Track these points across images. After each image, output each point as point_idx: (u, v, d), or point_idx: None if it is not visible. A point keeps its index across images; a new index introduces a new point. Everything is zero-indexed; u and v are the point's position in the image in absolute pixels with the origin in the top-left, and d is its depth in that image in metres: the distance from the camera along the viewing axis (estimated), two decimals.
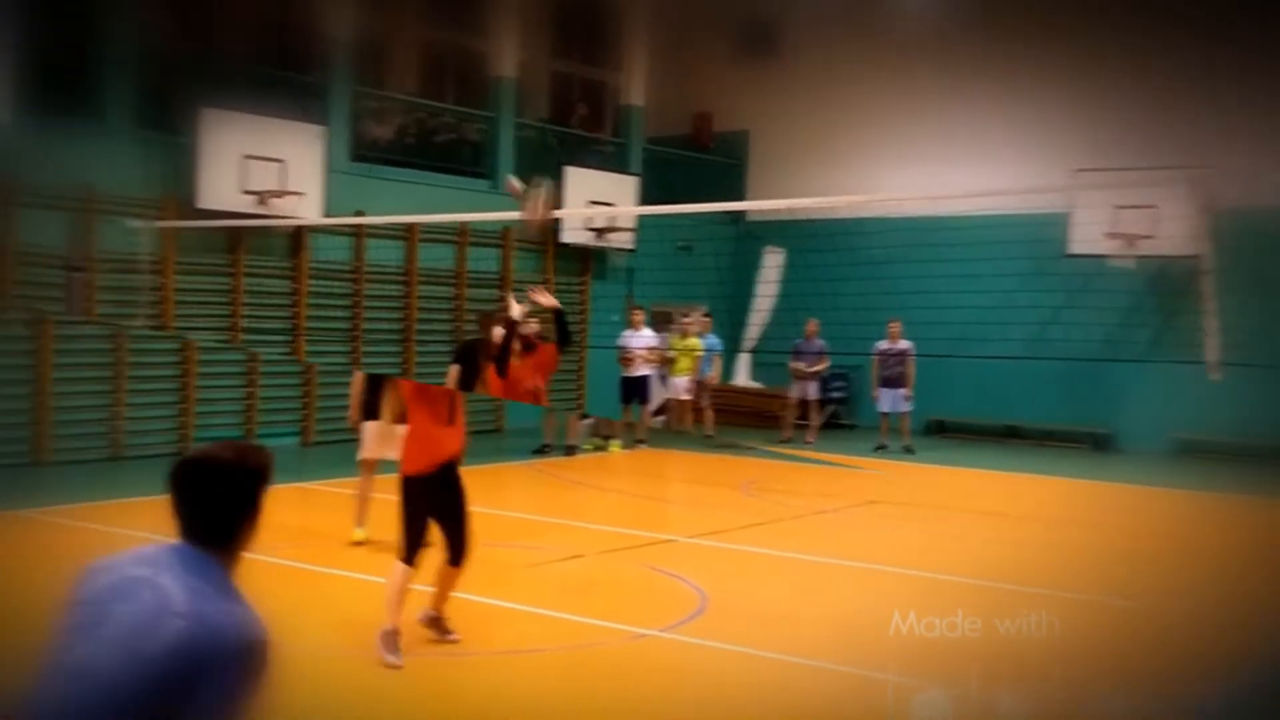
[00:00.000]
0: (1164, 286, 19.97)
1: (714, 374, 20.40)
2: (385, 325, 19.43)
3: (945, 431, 22.38)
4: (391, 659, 7.42)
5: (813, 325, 20.34)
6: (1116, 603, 9.60)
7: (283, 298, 18.14)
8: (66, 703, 2.88)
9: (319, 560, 10.39)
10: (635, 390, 19.50)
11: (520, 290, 13.35)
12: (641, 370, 19.51)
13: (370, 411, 11.26)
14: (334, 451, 15.03)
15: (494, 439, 19.91)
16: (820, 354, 20.31)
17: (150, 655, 2.85)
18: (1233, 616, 9.29)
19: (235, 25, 17.65)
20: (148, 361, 16.86)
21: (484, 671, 7.66)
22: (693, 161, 24.98)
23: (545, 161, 22.03)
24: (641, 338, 19.67)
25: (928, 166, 21.85)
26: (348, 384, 12.86)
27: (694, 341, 20.02)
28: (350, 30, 18.80)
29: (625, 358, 19.45)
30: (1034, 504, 15.39)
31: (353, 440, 11.55)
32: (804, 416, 20.75)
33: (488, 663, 7.79)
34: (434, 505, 7.84)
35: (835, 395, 23.15)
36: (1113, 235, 18.98)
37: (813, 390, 20.57)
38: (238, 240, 17.30)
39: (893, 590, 10.04)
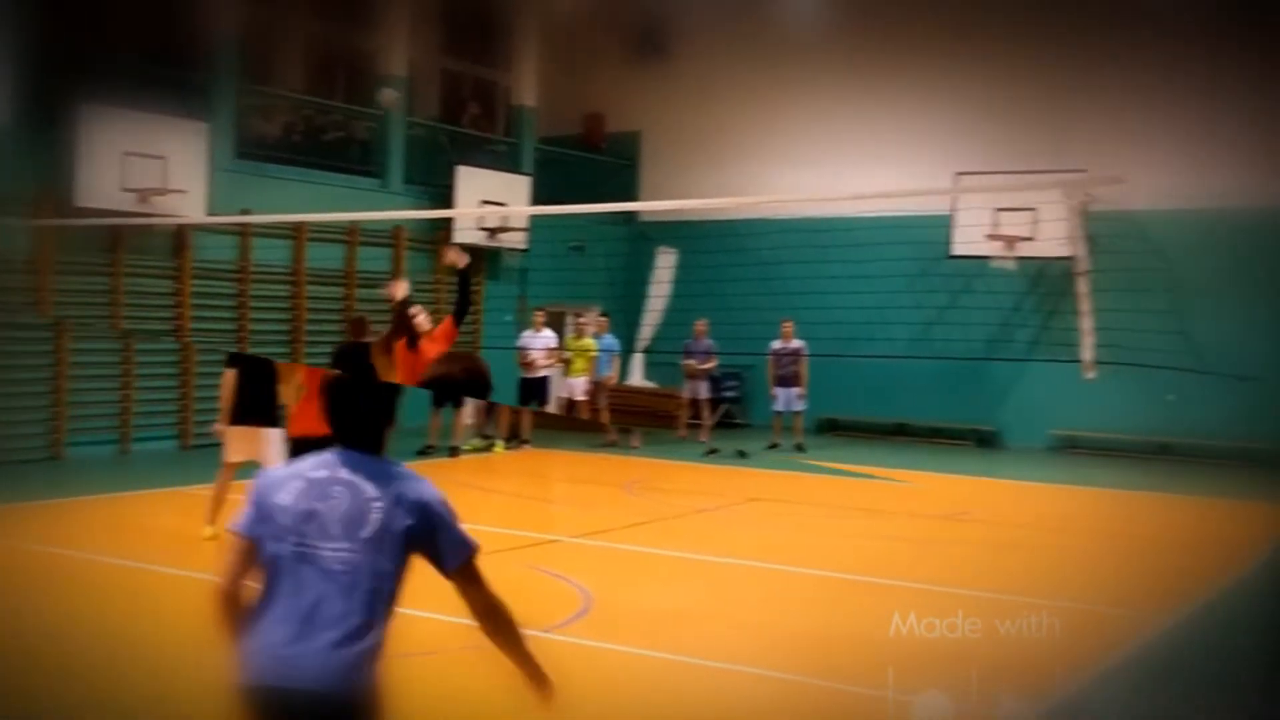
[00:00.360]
0: (1043, 287, 20.47)
1: (612, 375, 20.38)
2: (273, 327, 19.19)
3: (837, 430, 22.65)
4: None
5: (701, 325, 20.44)
6: (988, 596, 9.76)
7: (165, 298, 17.84)
8: (303, 591, 3.75)
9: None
10: (534, 392, 19.48)
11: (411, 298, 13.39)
12: (542, 372, 19.50)
13: (240, 414, 11.13)
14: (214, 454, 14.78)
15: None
16: (709, 353, 20.40)
17: (366, 536, 3.79)
18: (1103, 606, 9.47)
19: (116, 19, 17.30)
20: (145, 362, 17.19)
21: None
22: (585, 162, 25.01)
23: (437, 161, 21.95)
24: (542, 339, 19.64)
25: (817, 168, 22.14)
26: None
27: (588, 342, 20.03)
28: (234, 25, 18.53)
29: (525, 360, 19.41)
30: (917, 501, 15.57)
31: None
32: (697, 415, 20.87)
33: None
34: None
35: (729, 395, 23.33)
36: (993, 237, 19.32)
37: (704, 389, 20.66)
38: (118, 239, 16.99)
39: (773, 587, 10.20)
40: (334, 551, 3.79)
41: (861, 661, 7.68)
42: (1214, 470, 18.37)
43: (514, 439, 19.42)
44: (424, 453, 17.88)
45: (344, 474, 3.88)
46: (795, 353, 19.68)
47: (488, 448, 18.90)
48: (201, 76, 18.33)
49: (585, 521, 13.41)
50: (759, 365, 21.06)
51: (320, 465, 3.92)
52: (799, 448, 19.57)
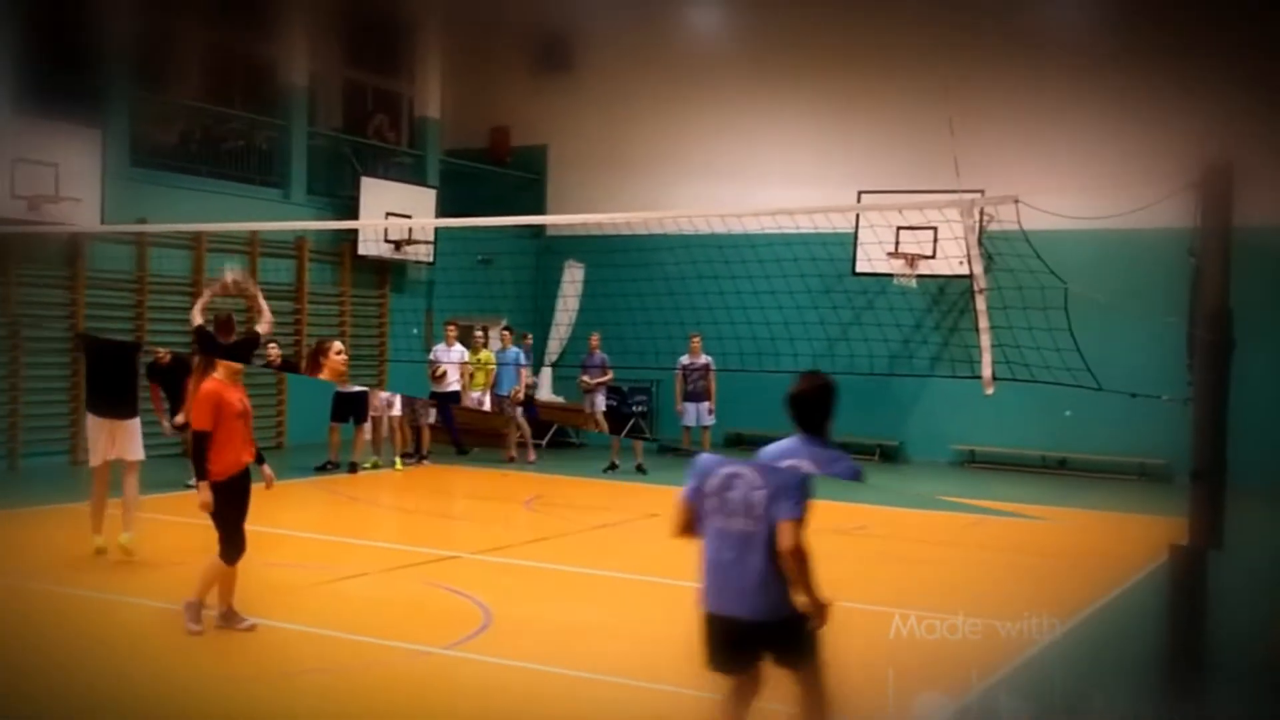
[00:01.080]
0: (943, 305, 20.79)
1: (518, 389, 20.17)
2: (171, 338, 18.79)
3: (743, 444, 22.70)
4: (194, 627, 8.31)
5: (594, 339, 20.43)
6: (880, 609, 9.75)
7: (59, 308, 17.43)
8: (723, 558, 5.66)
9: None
10: (446, 405, 19.40)
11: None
12: (453, 385, 19.32)
13: (96, 403, 10.85)
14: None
15: (275, 455, 19.49)
16: (603, 367, 20.36)
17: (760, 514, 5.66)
18: (997, 620, 9.55)
19: (6, 21, 16.87)
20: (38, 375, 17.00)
21: (267, 695, 7.50)
22: (491, 175, 24.90)
23: (340, 172, 21.73)
24: (455, 352, 19.43)
25: (723, 183, 22.24)
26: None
27: (486, 355, 19.86)
28: (130, 30, 18.16)
29: (436, 373, 19.24)
30: (817, 516, 15.55)
31: None
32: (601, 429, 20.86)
33: (272, 687, 7.63)
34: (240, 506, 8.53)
35: (636, 409, 23.31)
36: (895, 255, 19.55)
37: (600, 402, 20.58)
38: (8, 248, 16.56)
39: (671, 601, 9.91)
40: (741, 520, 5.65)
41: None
42: (1109, 484, 18.82)
43: (413, 455, 19.22)
44: (323, 469, 17.66)
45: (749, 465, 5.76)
46: (703, 368, 19.70)
47: (385, 464, 18.63)
48: (96, 82, 17.94)
49: (485, 538, 13.36)
50: (667, 380, 21.04)
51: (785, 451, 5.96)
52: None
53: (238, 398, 8.53)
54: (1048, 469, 20.28)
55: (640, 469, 19.23)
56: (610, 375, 20.61)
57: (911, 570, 12.05)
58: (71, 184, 16.39)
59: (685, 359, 19.74)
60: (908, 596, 10.19)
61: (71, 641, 8.41)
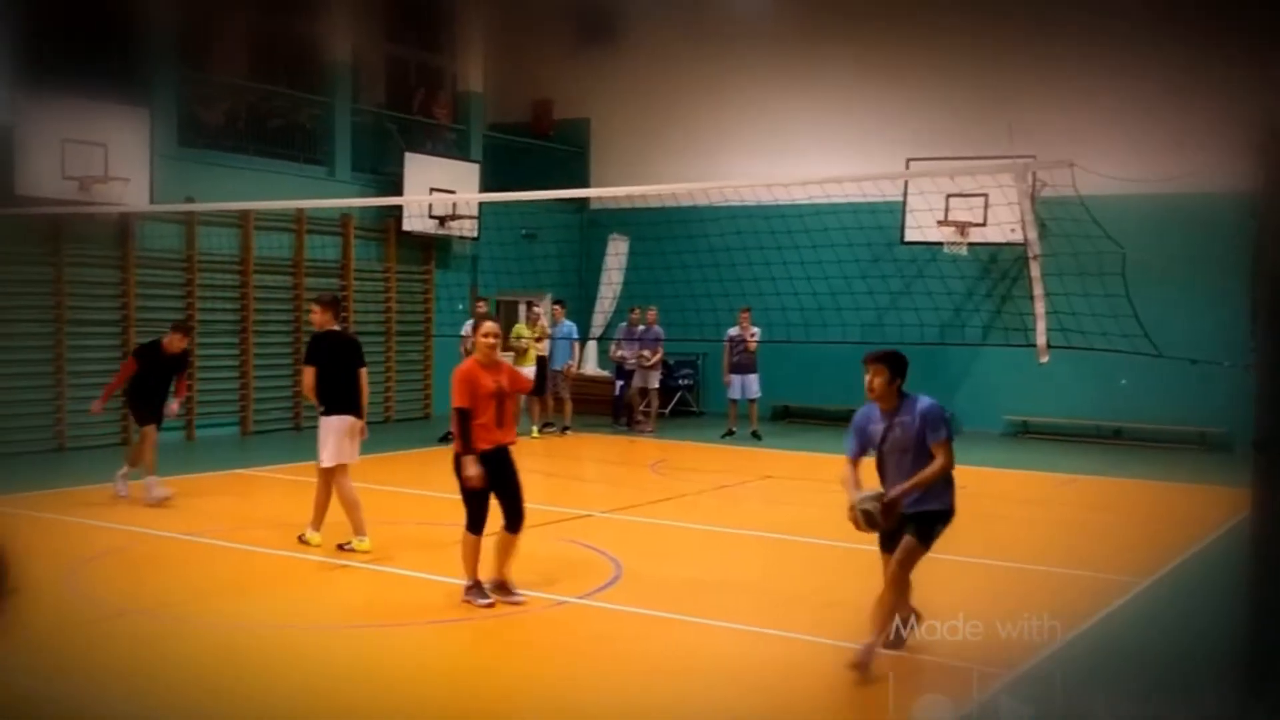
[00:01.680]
0: (995, 273, 20.55)
1: (573, 363, 20.24)
2: (221, 316, 18.91)
3: (790, 417, 22.63)
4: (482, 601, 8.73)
5: (651, 312, 20.47)
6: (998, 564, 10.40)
7: (110, 288, 17.52)
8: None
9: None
10: None
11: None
12: None
13: (333, 403, 10.71)
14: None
15: (423, 425, 20.59)
16: (657, 340, 20.39)
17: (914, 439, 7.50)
18: (1071, 575, 10.15)
19: (55, 4, 16.94)
20: (88, 357, 17.11)
21: (418, 639, 8.24)
22: (535, 149, 24.83)
23: (384, 148, 21.72)
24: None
25: (768, 154, 22.11)
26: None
27: (541, 328, 19.82)
28: (176, 10, 18.20)
29: (468, 350, 19.20)
30: None
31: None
32: (647, 404, 20.83)
33: (422, 631, 8.38)
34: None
35: (682, 382, 23.28)
36: (945, 224, 19.34)
37: (653, 379, 20.64)
38: (59, 228, 16.67)
39: (786, 555, 11.13)
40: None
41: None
42: (1168, 454, 18.59)
43: (554, 425, 19.87)
44: (444, 439, 17.98)
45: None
46: (751, 340, 19.62)
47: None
48: (143, 62, 17.98)
49: (615, 498, 14.24)
50: (713, 353, 20.96)
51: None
52: (755, 435, 19.51)
53: (491, 379, 8.74)
54: (1103, 439, 20.02)
55: (756, 435, 19.60)
56: (660, 351, 20.64)
57: (1004, 526, 12.68)
58: (120, 164, 16.44)
59: (733, 331, 19.65)
60: (1001, 549, 11.11)
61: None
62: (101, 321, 17.38)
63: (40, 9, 16.64)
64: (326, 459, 10.64)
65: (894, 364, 7.61)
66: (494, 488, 8.76)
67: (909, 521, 7.40)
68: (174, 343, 13.23)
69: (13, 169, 15.63)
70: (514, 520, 8.79)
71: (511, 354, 18.81)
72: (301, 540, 10.73)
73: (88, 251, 17.16)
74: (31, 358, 16.71)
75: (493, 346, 8.83)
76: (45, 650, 7.69)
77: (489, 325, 8.94)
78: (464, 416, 8.66)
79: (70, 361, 16.98)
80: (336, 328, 10.99)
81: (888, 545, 7.54)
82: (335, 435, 10.60)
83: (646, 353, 20.38)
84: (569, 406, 20.16)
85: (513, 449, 8.88)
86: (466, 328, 19.45)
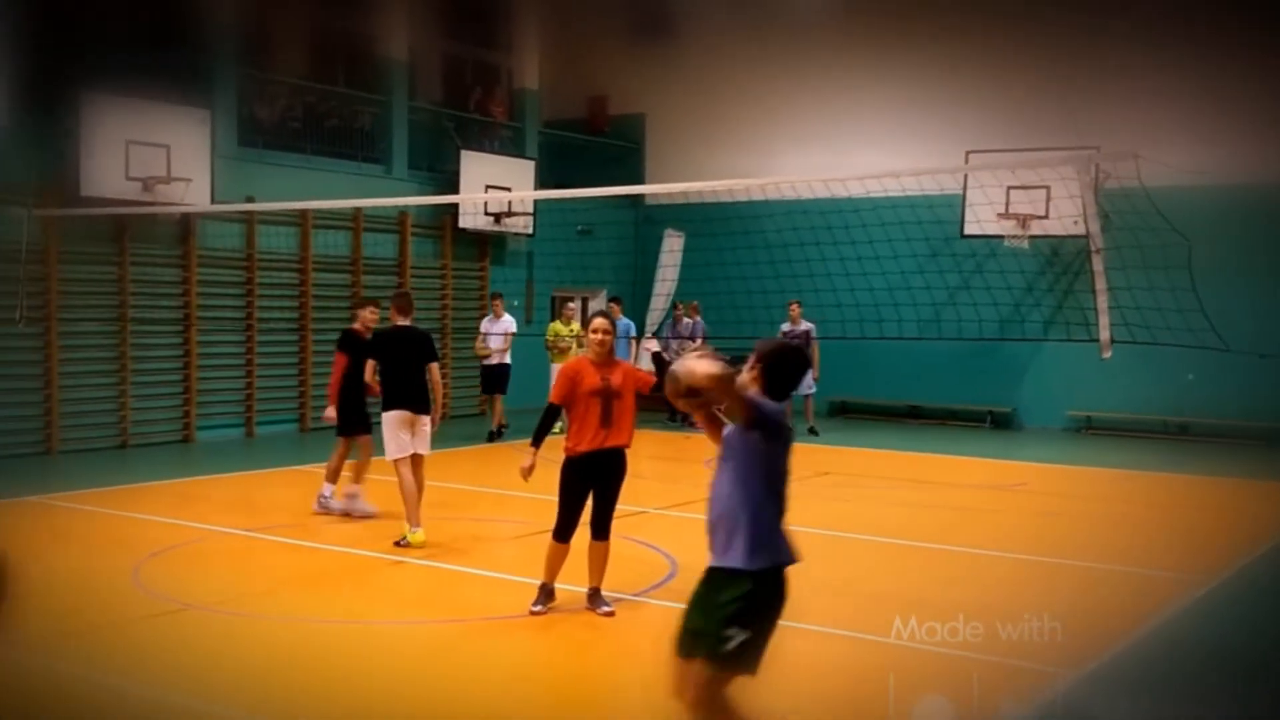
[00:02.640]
0: (1057, 266, 20.31)
1: (631, 359, 19.62)
2: (280, 314, 19.05)
3: (847, 413, 22.50)
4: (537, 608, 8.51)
5: (681, 309, 20.58)
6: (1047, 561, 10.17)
7: (172, 286, 17.68)
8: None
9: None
10: (494, 380, 18.89)
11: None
12: (497, 359, 18.81)
13: (397, 398, 10.84)
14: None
15: (477, 422, 20.28)
16: (695, 337, 20.33)
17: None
18: (1151, 575, 10.01)
19: (115, 6, 17.11)
20: (150, 355, 17.41)
21: (475, 636, 8.21)
22: (590, 145, 24.83)
23: (441, 146, 21.79)
24: (502, 325, 18.96)
25: (824, 148, 21.96)
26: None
27: (576, 326, 19.40)
28: (235, 11, 18.35)
29: (480, 348, 19.04)
30: (965, 474, 16.01)
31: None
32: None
33: (478, 628, 8.39)
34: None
35: None
36: (1005, 216, 19.13)
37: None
38: (123, 228, 16.85)
39: (851, 553, 11.01)
40: None
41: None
42: (1236, 450, 18.27)
43: None
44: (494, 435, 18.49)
45: None
46: (804, 335, 19.47)
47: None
48: (203, 63, 18.15)
49: (670, 495, 13.97)
50: None
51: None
52: (812, 431, 19.41)
53: (598, 376, 8.43)
54: (1169, 435, 19.69)
55: (812, 431, 19.50)
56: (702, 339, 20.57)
57: (1064, 523, 12.62)
58: (182, 164, 16.60)
59: (785, 326, 19.55)
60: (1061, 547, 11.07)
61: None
62: (164, 320, 17.55)
63: (105, 12, 16.85)
64: (389, 453, 10.78)
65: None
66: (592, 490, 8.46)
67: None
68: (367, 319, 12.35)
69: (77, 170, 15.83)
70: (595, 525, 8.52)
71: (556, 353, 18.70)
72: (401, 544, 10.66)
73: (150, 251, 17.34)
74: (96, 355, 16.90)
75: (602, 343, 8.47)
76: (104, 644, 7.77)
77: (599, 321, 8.59)
78: (549, 412, 8.54)
79: (133, 360, 17.16)
80: (407, 323, 11.06)
81: None
82: (390, 429, 10.79)
83: (691, 343, 20.26)
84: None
85: (625, 452, 8.51)
86: (484, 324, 19.29)
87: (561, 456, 8.45)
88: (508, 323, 19.09)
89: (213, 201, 17.04)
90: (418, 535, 10.57)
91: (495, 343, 18.70)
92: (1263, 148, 18.36)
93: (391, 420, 10.79)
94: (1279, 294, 18.43)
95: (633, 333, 20.19)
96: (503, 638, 8.19)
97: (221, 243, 18.12)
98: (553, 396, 8.54)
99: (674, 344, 20.49)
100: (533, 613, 8.43)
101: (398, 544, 10.59)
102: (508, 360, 18.91)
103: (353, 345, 12.04)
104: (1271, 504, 13.87)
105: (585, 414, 8.33)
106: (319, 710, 6.71)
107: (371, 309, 12.48)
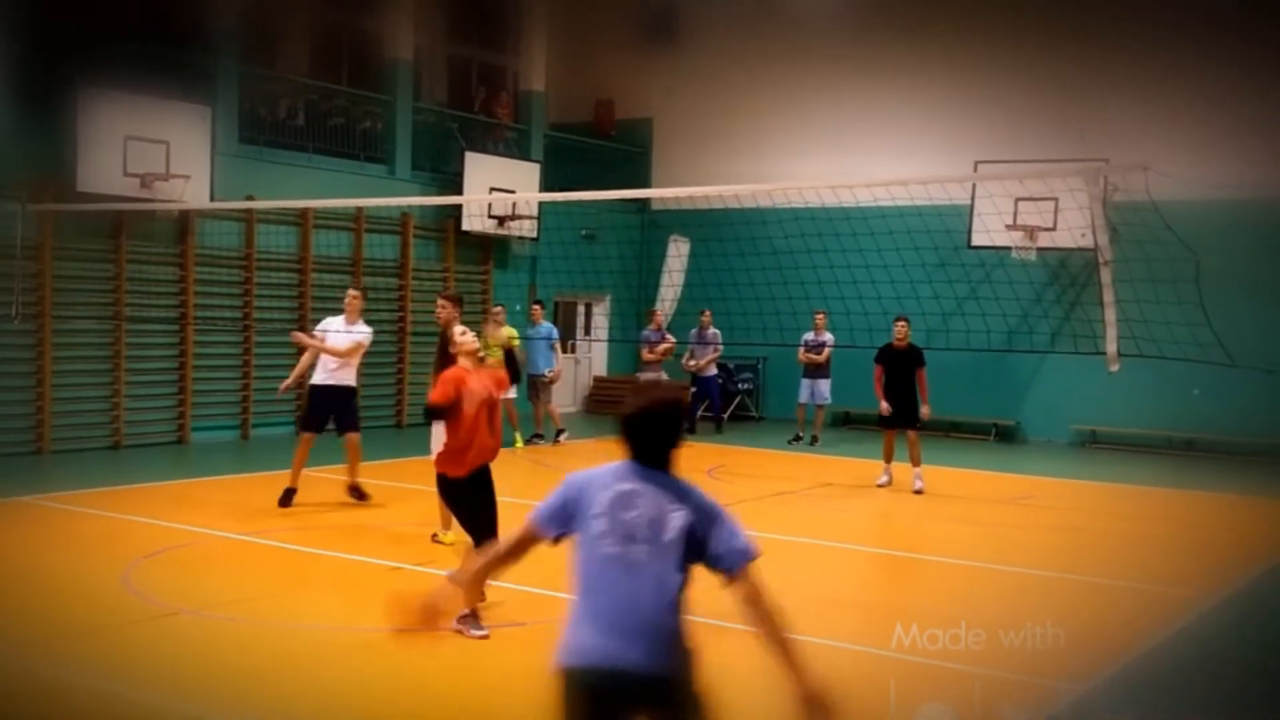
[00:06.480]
0: (1064, 279, 20.15)
1: (556, 369, 18.75)
2: (279, 315, 18.88)
3: (850, 423, 22.32)
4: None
5: (706, 315, 20.34)
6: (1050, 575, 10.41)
7: (169, 285, 17.53)
8: (616, 585, 4.19)
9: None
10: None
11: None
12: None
13: None
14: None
15: (397, 434, 19.82)
16: (714, 344, 20.21)
17: (669, 539, 4.23)
18: (1155, 590, 9.98)
19: (116, 1, 16.97)
20: (145, 354, 17.28)
21: (462, 645, 7.89)
22: (596, 149, 24.67)
23: (445, 147, 21.64)
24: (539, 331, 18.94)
25: (832, 155, 21.82)
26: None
27: (509, 331, 18.60)
28: (238, 8, 18.20)
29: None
30: (970, 487, 15.99)
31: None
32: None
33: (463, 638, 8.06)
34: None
35: (742, 386, 23.04)
36: (1013, 227, 19.00)
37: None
38: (120, 225, 16.70)
39: (843, 563, 11.14)
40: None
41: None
42: (1241, 466, 18.10)
43: (537, 435, 18.66)
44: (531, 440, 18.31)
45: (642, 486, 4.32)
46: (823, 344, 19.36)
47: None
48: (204, 60, 18.01)
49: None
50: (774, 356, 20.68)
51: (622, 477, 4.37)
52: (814, 440, 19.24)
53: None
54: (1174, 450, 19.50)
55: (814, 439, 19.48)
56: (718, 352, 20.43)
57: (1069, 537, 12.57)
58: (182, 161, 16.42)
59: (808, 335, 19.43)
60: (1064, 562, 11.04)
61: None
62: (160, 319, 17.40)
63: (105, 7, 16.71)
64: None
65: None
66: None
67: None
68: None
69: (75, 166, 15.66)
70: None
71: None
72: (435, 540, 10.72)
73: (148, 248, 17.18)
74: (91, 354, 16.76)
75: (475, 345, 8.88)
76: (92, 648, 7.63)
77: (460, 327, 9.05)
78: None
79: (128, 359, 17.01)
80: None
81: None
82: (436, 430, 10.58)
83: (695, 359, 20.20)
84: (557, 412, 19.21)
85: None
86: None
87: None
88: (547, 329, 18.86)
89: (212, 199, 16.87)
90: (449, 535, 10.48)
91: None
92: (1272, 162, 18.20)
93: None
94: None
95: (555, 337, 19.62)
96: (513, 645, 8.05)
97: (220, 241, 17.96)
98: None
99: (698, 351, 20.30)
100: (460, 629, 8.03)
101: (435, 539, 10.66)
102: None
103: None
104: (1276, 521, 13.73)
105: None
106: (308, 717, 6.59)
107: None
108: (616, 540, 4.23)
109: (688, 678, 4.29)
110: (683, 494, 4.33)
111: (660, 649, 4.20)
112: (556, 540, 4.37)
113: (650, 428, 4.36)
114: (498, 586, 9.12)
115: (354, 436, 12.85)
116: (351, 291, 13.11)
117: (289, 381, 13.34)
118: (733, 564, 4.31)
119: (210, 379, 18.05)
